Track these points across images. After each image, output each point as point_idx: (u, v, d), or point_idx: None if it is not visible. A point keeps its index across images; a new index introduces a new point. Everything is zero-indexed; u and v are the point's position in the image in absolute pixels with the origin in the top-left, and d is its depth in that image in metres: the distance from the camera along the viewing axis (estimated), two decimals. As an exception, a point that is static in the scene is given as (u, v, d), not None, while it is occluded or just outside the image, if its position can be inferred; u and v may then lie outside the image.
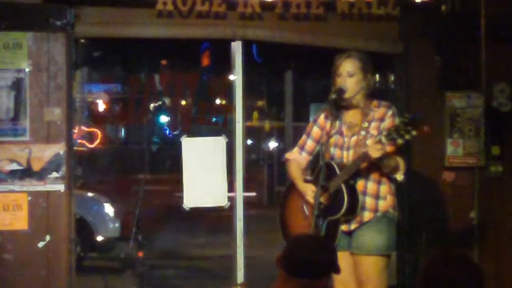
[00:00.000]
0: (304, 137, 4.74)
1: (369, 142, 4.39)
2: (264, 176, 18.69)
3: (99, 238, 9.67)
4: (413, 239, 5.99)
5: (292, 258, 2.94)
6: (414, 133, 4.15)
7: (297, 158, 4.70)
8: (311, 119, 4.84)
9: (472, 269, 2.64)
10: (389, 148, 4.25)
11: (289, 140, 17.74)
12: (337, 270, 2.98)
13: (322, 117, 4.67)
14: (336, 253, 3.07)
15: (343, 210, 4.36)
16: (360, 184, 4.44)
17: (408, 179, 4.98)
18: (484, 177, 6.10)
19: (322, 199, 4.37)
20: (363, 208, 4.44)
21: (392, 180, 4.53)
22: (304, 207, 4.54)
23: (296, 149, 4.75)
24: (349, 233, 4.50)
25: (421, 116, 4.29)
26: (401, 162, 4.41)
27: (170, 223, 11.55)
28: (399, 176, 4.43)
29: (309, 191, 4.46)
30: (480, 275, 2.64)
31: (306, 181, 4.59)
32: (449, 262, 2.64)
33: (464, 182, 6.09)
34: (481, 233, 6.06)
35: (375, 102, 4.54)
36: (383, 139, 4.20)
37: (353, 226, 4.47)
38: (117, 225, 9.84)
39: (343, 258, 4.41)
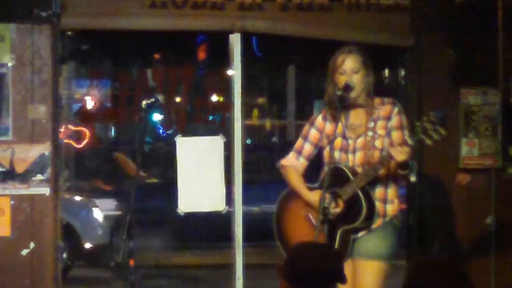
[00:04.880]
0: (300, 141, 4.67)
1: (377, 142, 4.37)
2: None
3: (87, 246, 9.66)
4: (424, 246, 5.98)
5: (295, 268, 2.94)
6: (443, 132, 4.14)
7: (295, 164, 4.64)
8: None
9: (458, 276, 2.63)
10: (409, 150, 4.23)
11: (292, 140, 17.71)
12: (343, 279, 2.97)
13: (319, 118, 4.62)
14: (341, 261, 3.06)
15: (362, 218, 4.34)
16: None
17: (420, 182, 4.99)
18: (502, 180, 6.10)
19: (329, 205, 4.35)
20: (377, 214, 4.43)
21: (398, 182, 4.52)
22: (310, 216, 4.51)
23: (292, 154, 4.67)
24: (353, 240, 4.49)
25: (447, 114, 4.28)
26: (414, 163, 4.41)
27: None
28: (413, 177, 4.44)
29: (316, 200, 4.42)
30: (468, 283, 2.63)
31: (310, 189, 4.54)
32: (432, 269, 2.64)
33: (480, 185, 6.09)
34: (499, 240, 6.05)
35: (377, 100, 4.52)
36: (409, 141, 4.17)
37: (360, 233, 4.46)
38: (106, 231, 9.84)
39: (346, 267, 4.40)
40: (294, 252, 3.10)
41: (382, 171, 4.36)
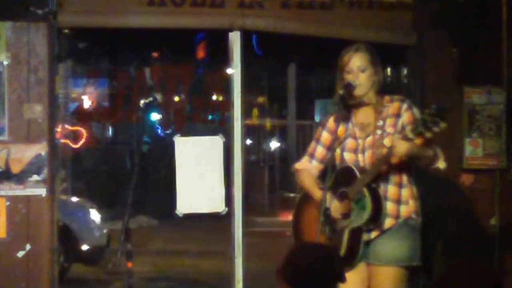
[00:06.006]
0: (313, 144, 4.70)
1: (386, 140, 4.38)
2: (264, 179, 18.69)
3: (85, 247, 9.65)
4: (427, 248, 5.97)
5: (294, 269, 2.95)
6: (442, 125, 4.14)
7: (308, 168, 4.67)
8: (316, 117, 4.82)
9: (493, 283, 2.65)
10: (418, 141, 4.22)
11: (292, 139, 17.73)
12: (342, 279, 2.99)
13: (331, 120, 4.63)
14: (340, 261, 3.07)
15: (367, 216, 4.34)
16: (380, 188, 4.42)
17: (423, 182, 4.98)
18: (506, 180, 6.10)
19: (332, 205, 4.36)
20: (384, 214, 4.42)
21: (413, 183, 4.51)
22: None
23: (305, 158, 4.70)
24: (367, 243, 4.48)
25: (447, 106, 4.27)
26: (437, 149, 4.40)
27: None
28: (442, 164, 4.42)
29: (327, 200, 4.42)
30: None
31: (321, 189, 4.55)
32: (468, 273, 2.65)
33: (484, 186, 6.09)
34: (502, 241, 6.05)
35: (387, 97, 4.52)
36: (410, 134, 4.18)
37: (373, 234, 4.44)
38: (104, 233, 9.83)
39: (359, 270, 4.42)
40: (293, 254, 3.11)
41: (386, 166, 4.35)
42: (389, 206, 4.42)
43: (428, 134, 4.16)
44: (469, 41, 6.04)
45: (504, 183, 6.09)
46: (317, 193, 4.53)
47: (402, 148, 4.19)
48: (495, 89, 6.08)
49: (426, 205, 5.96)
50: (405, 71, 6.52)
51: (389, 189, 4.43)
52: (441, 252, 5.95)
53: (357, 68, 4.44)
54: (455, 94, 6.05)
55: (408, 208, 4.48)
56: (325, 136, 4.64)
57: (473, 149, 6.07)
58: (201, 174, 5.90)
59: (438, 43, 6.07)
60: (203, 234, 12.57)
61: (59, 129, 5.96)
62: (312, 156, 4.68)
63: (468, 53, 6.06)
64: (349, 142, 4.50)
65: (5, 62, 5.51)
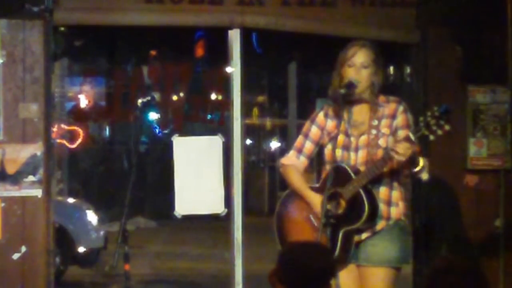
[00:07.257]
0: (300, 138, 4.66)
1: (381, 141, 4.39)
2: (264, 180, 18.70)
3: (81, 249, 9.67)
4: (431, 250, 5.99)
5: (289, 269, 2.98)
6: (447, 127, 4.14)
7: (295, 163, 4.63)
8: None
9: (479, 280, 2.68)
10: (417, 147, 4.23)
11: (293, 139, 17.71)
12: (335, 274, 3.03)
13: (321, 115, 4.62)
14: (332, 257, 3.11)
15: (364, 218, 4.34)
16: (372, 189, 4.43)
17: (426, 183, 4.99)
18: (511, 181, 6.10)
19: (329, 206, 4.36)
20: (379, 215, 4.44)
21: (403, 184, 4.53)
22: (312, 217, 4.52)
23: (293, 153, 4.66)
24: (357, 244, 4.49)
25: (451, 108, 4.26)
26: (425, 160, 4.41)
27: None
28: (425, 176, 4.42)
29: (319, 202, 4.43)
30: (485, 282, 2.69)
31: (312, 188, 4.55)
32: (455, 271, 2.68)
33: (489, 187, 6.09)
34: (507, 242, 6.05)
35: (382, 97, 4.52)
36: (412, 136, 4.18)
37: (364, 235, 4.46)
38: (101, 234, 9.84)
39: (349, 271, 4.42)
40: (286, 254, 3.14)
41: (387, 169, 4.36)
42: (381, 208, 4.43)
43: (432, 137, 4.16)
44: (473, 39, 6.04)
45: (509, 184, 6.09)
46: (308, 194, 4.51)
47: (404, 151, 4.18)
48: (500, 88, 6.08)
49: (429, 207, 5.99)
50: (408, 70, 6.53)
51: (381, 191, 4.44)
52: (445, 253, 5.95)
53: (360, 64, 4.44)
54: (459, 93, 6.05)
55: (398, 210, 4.49)
56: (314, 131, 4.61)
57: (478, 150, 6.07)
58: (200, 175, 5.90)
59: (442, 41, 6.07)
60: (202, 236, 12.58)
61: (55, 128, 5.97)
62: (300, 151, 4.64)
63: (472, 51, 6.05)
64: (341, 139, 4.50)
65: (0, 61, 5.51)
